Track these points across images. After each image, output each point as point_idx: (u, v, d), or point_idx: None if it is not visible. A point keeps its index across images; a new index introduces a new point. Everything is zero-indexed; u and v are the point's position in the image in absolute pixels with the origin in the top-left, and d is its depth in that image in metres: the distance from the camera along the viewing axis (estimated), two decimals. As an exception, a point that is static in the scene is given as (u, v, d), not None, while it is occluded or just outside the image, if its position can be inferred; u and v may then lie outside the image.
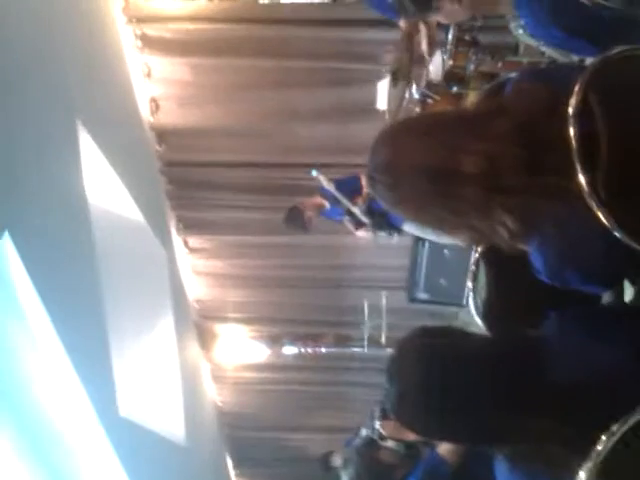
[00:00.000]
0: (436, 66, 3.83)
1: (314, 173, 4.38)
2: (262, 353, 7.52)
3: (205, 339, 7.56)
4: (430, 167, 1.09)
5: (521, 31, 2.98)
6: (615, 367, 1.09)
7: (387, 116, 4.05)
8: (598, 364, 1.10)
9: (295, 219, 4.68)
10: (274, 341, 7.45)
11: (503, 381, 1.12)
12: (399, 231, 4.56)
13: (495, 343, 1.28)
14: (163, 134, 5.49)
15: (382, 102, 4.12)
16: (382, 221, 4.40)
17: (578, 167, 1.02)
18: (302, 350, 7.41)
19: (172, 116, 5.34)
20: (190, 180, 5.82)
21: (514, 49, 4.05)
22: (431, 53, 3.80)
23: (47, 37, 3.42)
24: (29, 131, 3.13)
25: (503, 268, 1.56)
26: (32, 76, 3.20)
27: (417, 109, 3.75)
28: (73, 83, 3.74)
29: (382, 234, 4.71)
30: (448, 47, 3.64)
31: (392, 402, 1.19)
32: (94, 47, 4.32)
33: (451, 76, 3.69)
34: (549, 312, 1.23)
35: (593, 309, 1.29)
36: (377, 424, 2.88)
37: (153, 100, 5.25)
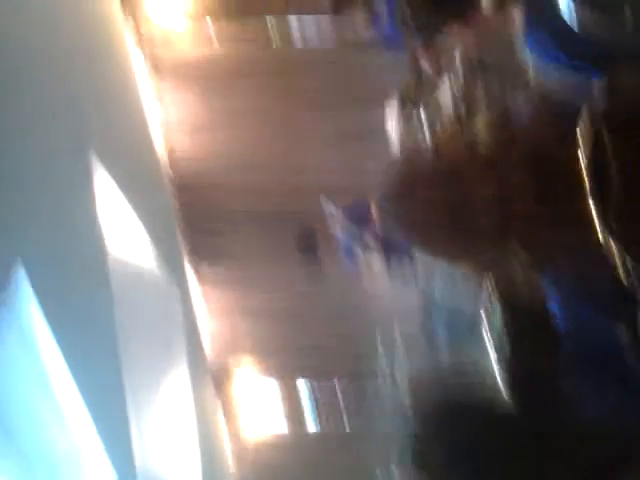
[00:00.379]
0: (444, 90, 3.83)
1: (324, 200, 4.38)
2: (275, 388, 7.40)
3: (219, 374, 7.47)
4: (441, 197, 1.10)
5: (528, 54, 2.98)
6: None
7: (395, 140, 4.06)
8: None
9: (306, 246, 4.67)
10: (289, 375, 7.35)
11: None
12: (411, 257, 4.54)
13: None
14: (175, 159, 5.51)
15: (391, 126, 4.13)
16: (393, 247, 4.39)
17: (590, 196, 1.01)
18: (317, 384, 7.30)
19: (184, 141, 5.36)
20: (203, 208, 5.83)
21: (522, 71, 4.05)
22: (439, 77, 3.81)
23: (61, 63, 3.47)
24: (43, 161, 3.17)
25: (517, 304, 1.55)
26: (46, 102, 3.26)
27: (426, 134, 3.75)
28: (86, 111, 3.78)
29: (394, 260, 4.69)
30: (456, 71, 3.65)
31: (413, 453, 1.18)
32: (106, 74, 4.37)
33: (460, 100, 3.69)
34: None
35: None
36: None
37: (166, 125, 5.27)
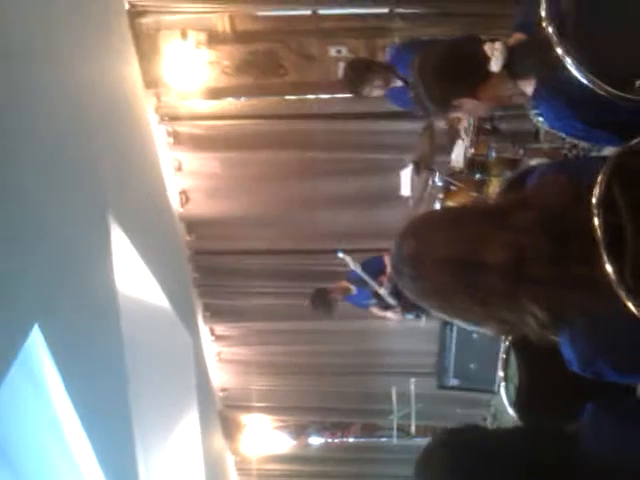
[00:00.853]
0: (458, 154, 3.91)
1: (340, 255, 4.41)
2: (287, 444, 7.34)
3: (229, 429, 7.43)
4: (455, 259, 1.09)
5: (541, 119, 3.05)
6: None
7: (410, 203, 4.11)
8: (634, 456, 1.06)
9: (320, 302, 4.68)
10: (300, 431, 7.29)
11: (536, 474, 1.09)
12: (427, 313, 4.52)
13: (525, 448, 1.23)
14: (192, 224, 5.63)
15: (405, 189, 4.20)
16: (409, 302, 4.38)
17: (604, 257, 1.02)
18: (328, 440, 7.22)
19: (201, 207, 5.49)
20: (217, 268, 5.90)
21: (534, 135, 4.13)
22: (452, 143, 3.89)
23: (82, 135, 3.58)
24: (62, 223, 3.23)
25: (534, 358, 1.54)
26: (67, 170, 3.33)
27: (440, 196, 3.81)
28: (106, 177, 3.88)
29: (410, 317, 4.68)
30: (469, 136, 3.72)
31: None
32: (128, 144, 4.51)
33: (473, 163, 3.75)
34: (585, 404, 1.20)
35: (628, 401, 1.25)
36: None
37: (183, 192, 5.41)
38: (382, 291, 4.39)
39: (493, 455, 1.15)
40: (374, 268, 4.49)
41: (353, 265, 4.36)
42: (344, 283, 4.71)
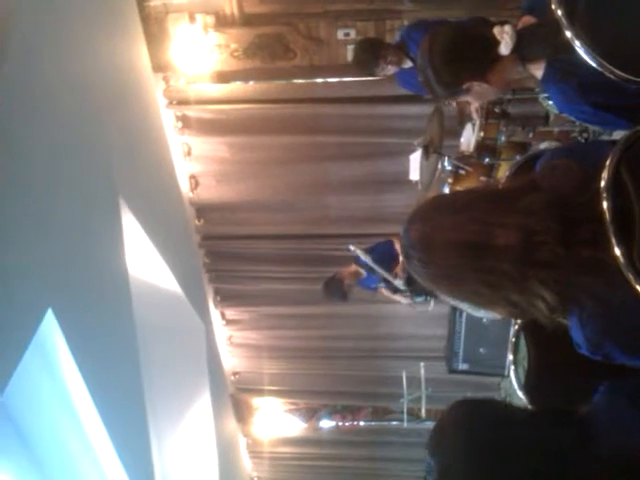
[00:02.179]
0: (467, 138, 3.89)
1: (352, 247, 4.42)
2: (298, 427, 7.40)
3: (241, 412, 7.49)
4: (464, 242, 1.10)
5: (550, 103, 3.03)
6: None
7: (420, 187, 4.11)
8: None
9: (334, 289, 4.69)
10: (311, 414, 7.34)
11: (549, 456, 1.09)
12: (436, 297, 4.53)
13: (539, 418, 1.24)
14: (202, 209, 5.65)
15: (414, 174, 4.19)
16: (420, 287, 4.39)
17: (613, 240, 1.03)
18: (339, 424, 7.27)
19: (211, 192, 5.50)
20: (227, 253, 5.92)
21: (544, 119, 4.10)
22: (462, 127, 3.87)
23: (91, 119, 3.59)
24: (73, 208, 3.25)
25: (544, 341, 1.55)
26: (77, 155, 3.36)
27: (449, 180, 3.80)
28: (116, 162, 3.90)
29: (419, 300, 4.68)
30: (478, 121, 3.70)
31: (435, 477, 1.16)
32: (137, 128, 4.52)
33: (482, 147, 3.74)
34: (598, 386, 1.20)
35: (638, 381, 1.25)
36: None
37: (193, 177, 5.43)
38: (397, 282, 4.38)
39: (507, 439, 1.16)
40: (383, 255, 4.49)
41: (364, 257, 4.36)
42: (353, 267, 4.72)
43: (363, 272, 4.68)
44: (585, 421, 1.15)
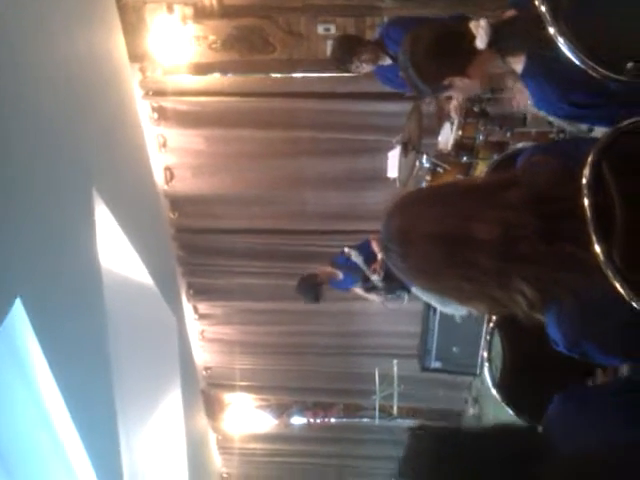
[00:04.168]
0: (445, 136, 3.90)
1: (346, 250, 4.42)
2: (269, 423, 7.38)
3: (212, 408, 7.45)
4: (444, 235, 1.09)
5: (529, 103, 3.04)
6: (611, 446, 1.05)
7: (398, 184, 4.11)
8: (598, 444, 1.06)
9: (308, 290, 4.66)
10: (282, 410, 7.33)
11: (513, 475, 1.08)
12: (409, 291, 4.53)
13: (495, 446, 1.22)
14: (176, 201, 5.59)
15: (392, 171, 4.19)
16: (396, 285, 4.40)
17: (593, 237, 1.02)
18: (310, 420, 7.27)
19: (186, 184, 5.44)
20: (201, 246, 5.87)
21: (522, 120, 4.13)
22: (441, 124, 3.88)
23: (66, 108, 3.52)
24: (46, 198, 3.19)
25: (519, 338, 1.55)
26: (51, 144, 3.29)
27: (427, 178, 3.80)
28: (91, 152, 3.83)
29: (391, 296, 4.69)
30: (457, 118, 3.71)
31: None
32: (113, 119, 4.45)
33: (461, 146, 3.75)
34: (568, 385, 1.20)
35: (594, 388, 1.25)
36: None
37: (168, 169, 5.36)
38: (374, 278, 4.39)
39: (467, 455, 1.15)
40: (363, 255, 4.48)
41: (356, 258, 4.35)
42: (329, 269, 4.68)
43: (339, 274, 4.66)
44: (543, 433, 1.15)
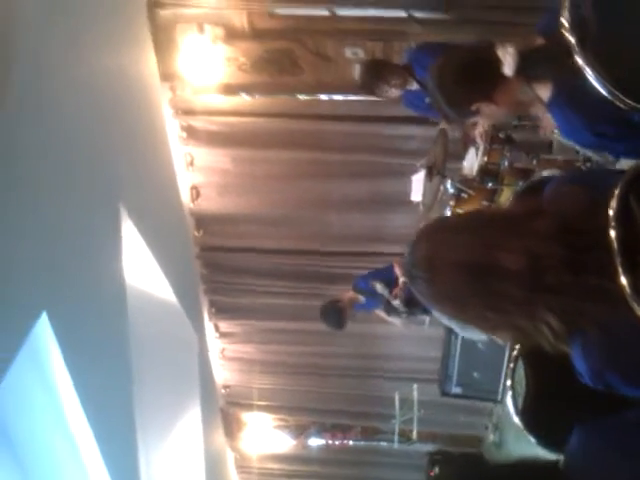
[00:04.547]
0: (470, 162, 3.90)
1: (372, 282, 4.40)
2: (287, 443, 7.34)
3: (231, 426, 7.44)
4: (470, 264, 1.09)
5: (555, 131, 3.04)
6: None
7: (421, 208, 4.11)
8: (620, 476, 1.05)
9: (333, 316, 4.63)
10: (300, 431, 7.29)
11: None
12: (431, 315, 4.49)
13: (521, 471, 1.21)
14: (202, 220, 5.64)
15: (417, 194, 4.19)
16: (417, 309, 4.37)
17: (620, 269, 1.02)
18: (328, 442, 7.22)
19: (211, 203, 5.50)
20: (225, 265, 5.91)
21: (548, 147, 4.12)
22: (466, 149, 3.88)
23: (96, 125, 3.59)
24: (74, 213, 3.24)
25: (543, 367, 1.54)
26: (80, 160, 3.35)
27: (451, 203, 3.80)
28: (119, 169, 3.89)
29: (413, 319, 4.66)
30: (484, 141, 3.71)
31: None
32: (142, 136, 4.52)
33: (485, 172, 3.74)
34: (593, 415, 1.19)
35: (616, 420, 1.24)
36: None
37: (194, 187, 5.43)
38: (395, 302, 4.37)
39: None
40: (385, 279, 4.46)
41: (381, 290, 4.34)
42: (351, 293, 4.66)
43: (362, 298, 4.64)
44: (563, 470, 1.14)
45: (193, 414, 5.93)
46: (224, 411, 7.33)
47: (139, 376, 4.05)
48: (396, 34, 4.54)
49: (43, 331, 2.92)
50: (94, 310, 3.46)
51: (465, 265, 1.10)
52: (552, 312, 1.05)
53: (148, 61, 4.64)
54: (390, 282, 4.39)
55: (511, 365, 1.89)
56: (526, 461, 1.19)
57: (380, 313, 4.73)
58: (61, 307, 3.02)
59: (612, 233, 1.04)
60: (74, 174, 3.27)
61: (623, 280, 1.02)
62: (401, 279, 4.26)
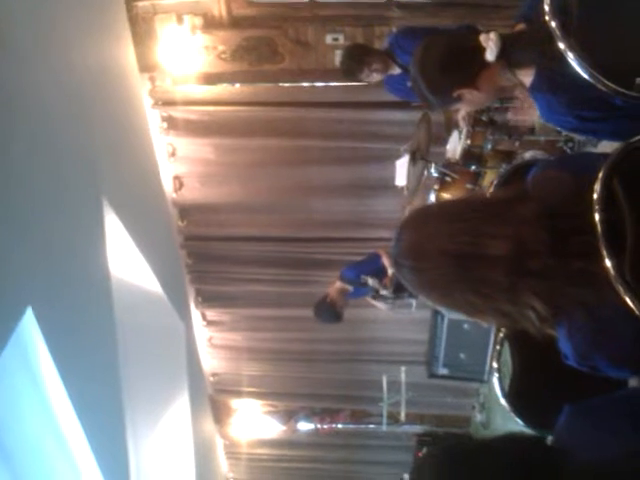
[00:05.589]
0: (454, 145, 3.91)
1: (362, 277, 4.39)
2: (276, 429, 7.38)
3: (219, 413, 7.46)
4: (456, 252, 1.10)
5: (539, 114, 3.05)
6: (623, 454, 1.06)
7: (405, 193, 4.12)
8: (610, 452, 1.07)
9: (327, 313, 4.63)
10: (289, 416, 7.33)
11: None
12: (417, 298, 4.52)
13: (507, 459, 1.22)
14: (185, 210, 5.62)
15: (400, 179, 4.20)
16: (404, 294, 4.39)
17: (604, 252, 1.04)
18: (317, 426, 7.27)
19: (194, 193, 5.47)
20: (209, 254, 5.89)
21: (530, 128, 4.14)
22: (449, 134, 3.89)
23: (76, 118, 3.55)
24: (56, 207, 3.21)
25: (529, 349, 1.56)
26: (61, 153, 3.32)
27: (435, 186, 3.81)
28: (100, 162, 3.86)
29: (399, 303, 4.68)
30: (466, 128, 3.72)
31: None
32: (122, 128, 4.48)
33: (469, 155, 3.76)
34: (577, 396, 1.21)
35: (602, 400, 1.26)
36: None
37: (177, 178, 5.40)
38: (384, 292, 4.38)
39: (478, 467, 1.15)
40: (373, 269, 4.46)
41: (373, 284, 4.33)
42: (338, 284, 4.66)
43: (350, 288, 4.65)
44: (553, 447, 1.15)
45: (182, 403, 5.94)
46: (213, 399, 7.34)
47: (127, 367, 4.05)
48: (377, 19, 4.52)
49: (29, 327, 2.90)
50: (80, 304, 3.44)
51: (451, 253, 1.10)
52: (537, 296, 1.06)
53: (127, 52, 4.58)
54: (379, 272, 4.39)
55: (497, 347, 1.91)
56: (513, 434, 1.21)
57: (367, 297, 4.75)
58: (46, 302, 3.00)
59: (596, 217, 1.06)
60: (56, 168, 3.24)
61: (608, 263, 1.03)
62: (390, 270, 4.27)
